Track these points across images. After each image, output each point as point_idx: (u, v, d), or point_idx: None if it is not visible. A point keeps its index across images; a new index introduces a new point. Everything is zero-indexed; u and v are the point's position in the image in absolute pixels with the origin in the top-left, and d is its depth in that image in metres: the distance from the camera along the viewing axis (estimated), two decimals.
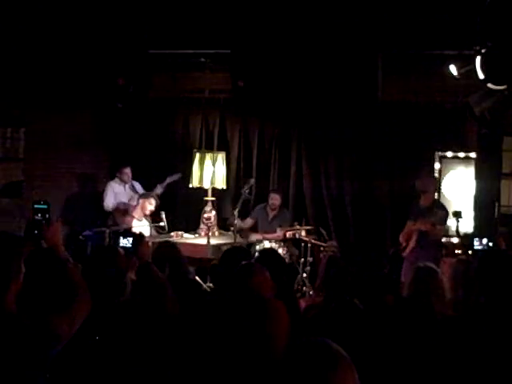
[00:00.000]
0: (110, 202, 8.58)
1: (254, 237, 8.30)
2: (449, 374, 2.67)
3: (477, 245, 5.10)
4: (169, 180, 8.41)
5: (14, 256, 2.67)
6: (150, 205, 8.16)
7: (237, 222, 7.90)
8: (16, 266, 2.67)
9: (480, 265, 3.83)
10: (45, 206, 3.06)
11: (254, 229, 8.56)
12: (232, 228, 7.78)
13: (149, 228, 8.27)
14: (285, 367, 1.80)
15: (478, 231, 7.31)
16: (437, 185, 7.45)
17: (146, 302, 2.55)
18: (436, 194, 7.43)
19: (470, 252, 6.77)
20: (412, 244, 7.04)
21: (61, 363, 2.80)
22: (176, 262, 4.60)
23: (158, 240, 7.88)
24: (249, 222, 8.51)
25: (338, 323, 3.62)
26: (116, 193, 8.62)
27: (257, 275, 3.31)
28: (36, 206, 3.07)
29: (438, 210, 7.04)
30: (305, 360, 1.78)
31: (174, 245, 5.15)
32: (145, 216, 8.23)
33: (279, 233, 8.16)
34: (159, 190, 8.47)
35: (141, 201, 8.22)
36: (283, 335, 2.40)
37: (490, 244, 5.07)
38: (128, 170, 8.62)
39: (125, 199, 8.58)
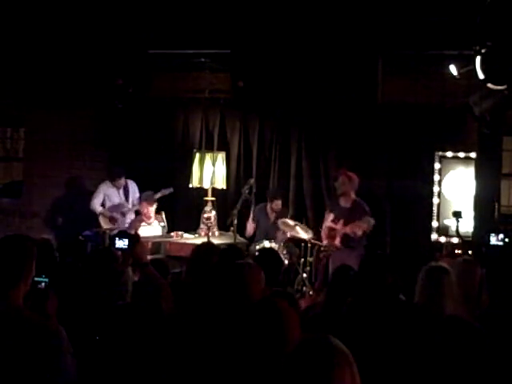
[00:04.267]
0: (96, 204, 8.58)
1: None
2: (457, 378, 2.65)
3: (494, 240, 4.99)
4: (161, 194, 8.39)
5: (27, 257, 2.74)
6: (151, 206, 8.20)
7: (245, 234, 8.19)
8: (27, 267, 2.77)
9: (491, 267, 3.77)
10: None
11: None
12: (232, 228, 7.78)
13: (160, 228, 8.34)
14: (286, 363, 1.82)
15: (478, 231, 7.31)
16: (356, 184, 7.56)
17: (143, 302, 2.56)
18: (354, 194, 7.58)
19: (470, 252, 6.79)
20: (337, 244, 7.45)
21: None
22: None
23: (157, 240, 7.92)
24: (251, 226, 8.46)
25: (340, 323, 3.62)
26: (106, 195, 8.63)
27: (248, 275, 3.29)
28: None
29: (362, 214, 7.37)
30: (305, 355, 1.82)
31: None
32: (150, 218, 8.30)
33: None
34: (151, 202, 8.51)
35: (145, 209, 8.24)
36: (294, 337, 2.42)
37: (507, 240, 4.99)
38: (122, 180, 8.61)
39: (116, 201, 8.59)
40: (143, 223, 8.25)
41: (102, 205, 8.61)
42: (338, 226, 7.48)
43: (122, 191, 8.65)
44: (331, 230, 7.56)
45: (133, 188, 8.73)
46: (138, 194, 8.68)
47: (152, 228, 8.29)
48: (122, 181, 8.62)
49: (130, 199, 8.63)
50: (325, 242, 7.65)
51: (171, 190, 8.44)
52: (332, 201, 7.96)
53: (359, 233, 7.31)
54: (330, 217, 7.63)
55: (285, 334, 2.43)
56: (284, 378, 1.81)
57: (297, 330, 2.48)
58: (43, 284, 3.13)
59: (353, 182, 7.55)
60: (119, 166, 8.78)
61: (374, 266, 3.78)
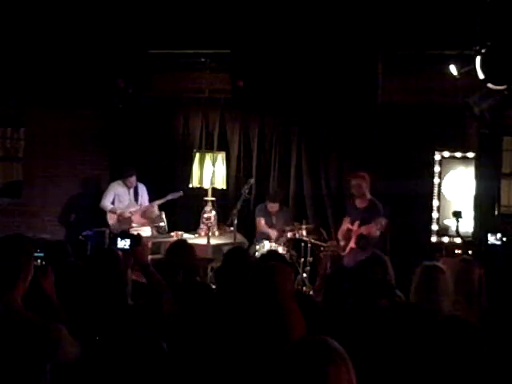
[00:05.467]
0: (107, 202, 8.57)
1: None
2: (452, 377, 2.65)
3: (492, 240, 5.00)
4: (170, 197, 8.38)
5: (25, 257, 2.74)
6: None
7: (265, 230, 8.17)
8: (26, 267, 2.76)
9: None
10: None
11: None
12: (232, 228, 7.78)
13: (149, 228, 8.30)
14: (284, 361, 1.84)
15: (478, 231, 7.31)
16: (369, 182, 7.50)
17: (143, 303, 2.56)
18: (369, 193, 7.54)
19: (470, 252, 6.80)
20: (352, 245, 7.38)
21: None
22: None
23: (158, 240, 7.92)
24: (262, 222, 8.47)
25: (339, 323, 3.62)
26: (117, 194, 8.62)
27: (280, 274, 3.37)
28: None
29: (376, 214, 7.33)
30: (301, 353, 1.84)
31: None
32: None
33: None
34: (156, 203, 8.50)
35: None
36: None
37: (504, 239, 5.00)
38: (133, 179, 8.59)
39: (126, 201, 8.58)
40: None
41: (112, 204, 8.60)
42: (354, 227, 7.44)
43: (132, 191, 8.65)
44: (348, 231, 7.54)
45: (142, 191, 8.71)
46: (146, 198, 8.66)
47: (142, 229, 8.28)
48: (134, 180, 8.60)
49: (139, 201, 8.61)
50: (342, 244, 7.61)
51: (181, 193, 8.41)
52: (348, 204, 7.83)
53: (376, 233, 7.29)
54: (347, 221, 7.61)
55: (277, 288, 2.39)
56: (281, 376, 1.83)
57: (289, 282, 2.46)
58: (39, 260, 3.13)
59: (367, 182, 7.50)
60: (130, 166, 8.74)
61: (367, 265, 3.80)
